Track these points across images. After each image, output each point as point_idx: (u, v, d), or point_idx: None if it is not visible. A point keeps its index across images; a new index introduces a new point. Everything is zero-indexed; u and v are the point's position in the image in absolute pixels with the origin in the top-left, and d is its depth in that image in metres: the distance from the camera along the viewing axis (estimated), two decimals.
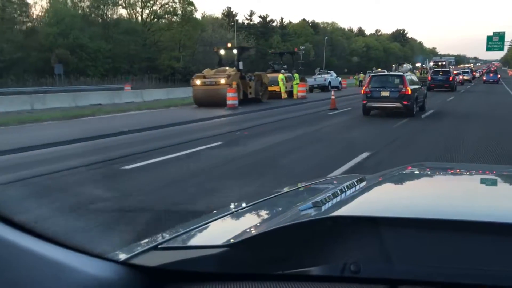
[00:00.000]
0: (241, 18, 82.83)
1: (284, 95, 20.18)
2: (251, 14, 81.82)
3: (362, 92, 13.28)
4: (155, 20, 54.82)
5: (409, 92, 12.30)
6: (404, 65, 46.83)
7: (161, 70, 48.84)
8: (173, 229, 1.07)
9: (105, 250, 0.81)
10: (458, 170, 1.77)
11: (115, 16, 50.60)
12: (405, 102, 12.27)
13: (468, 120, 12.13)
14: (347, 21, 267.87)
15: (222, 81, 15.61)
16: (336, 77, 31.14)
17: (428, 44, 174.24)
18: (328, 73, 30.91)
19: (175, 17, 55.11)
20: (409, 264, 0.80)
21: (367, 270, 0.80)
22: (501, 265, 0.76)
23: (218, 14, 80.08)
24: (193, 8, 55.73)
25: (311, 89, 27.28)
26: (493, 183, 1.52)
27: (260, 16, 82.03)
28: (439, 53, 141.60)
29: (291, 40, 78.53)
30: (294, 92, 20.61)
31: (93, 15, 48.03)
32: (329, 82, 28.76)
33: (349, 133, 9.72)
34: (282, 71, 21.97)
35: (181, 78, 49.87)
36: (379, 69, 40.02)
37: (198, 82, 16.30)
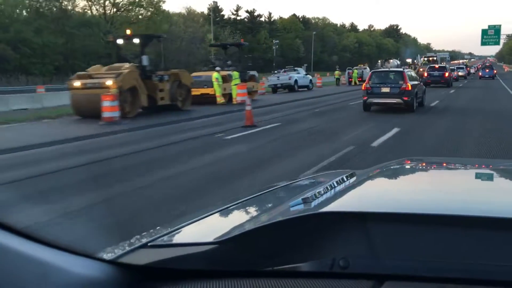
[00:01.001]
0: (228, 13, 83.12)
1: (220, 100, 16.74)
2: (238, 8, 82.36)
3: (363, 88, 14.04)
4: (118, 12, 51.89)
5: (410, 88, 13.09)
6: (391, 60, 45.49)
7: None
8: (162, 227, 1.09)
9: (94, 249, 0.84)
10: (450, 164, 1.83)
11: (70, 7, 47.56)
12: (405, 98, 13.05)
13: (466, 117, 12.38)
14: (339, 17, 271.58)
15: (109, 82, 12.07)
16: (306, 74, 28.78)
17: (422, 40, 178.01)
18: (294, 70, 28.05)
19: (140, 9, 52.73)
20: (397, 259, 0.83)
21: (355, 266, 0.84)
22: (489, 259, 0.79)
23: (204, 9, 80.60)
24: None
25: (275, 89, 25.90)
26: (486, 177, 1.56)
27: (247, 11, 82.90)
28: (433, 49, 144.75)
29: (279, 36, 79.40)
30: (233, 95, 17.11)
31: (44, 6, 44.41)
32: (295, 81, 26.08)
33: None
34: (229, 68, 18.73)
35: None
36: (361, 65, 38.91)
37: (77, 84, 12.71)
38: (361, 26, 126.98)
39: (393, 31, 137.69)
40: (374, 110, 13.79)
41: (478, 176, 1.57)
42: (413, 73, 15.24)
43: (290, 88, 25.79)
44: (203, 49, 53.60)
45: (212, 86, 16.81)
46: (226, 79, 17.35)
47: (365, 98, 13.70)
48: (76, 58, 41.69)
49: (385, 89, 13.37)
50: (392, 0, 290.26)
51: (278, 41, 61.00)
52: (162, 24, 51.56)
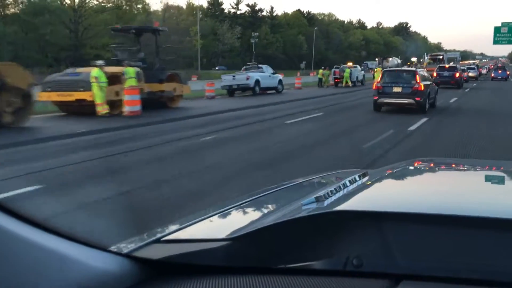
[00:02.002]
0: (228, 7, 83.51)
1: (101, 109, 12.23)
2: (238, 2, 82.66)
3: (374, 88, 14.41)
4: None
5: (422, 88, 13.46)
6: (390, 59, 44.18)
7: (87, 61, 43.00)
8: (176, 221, 1.14)
9: (110, 242, 0.89)
10: (464, 166, 1.91)
11: None
12: (417, 98, 13.41)
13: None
14: (347, 14, 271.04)
15: None
16: (273, 73, 24.44)
17: (432, 39, 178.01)
18: (258, 68, 24.46)
19: None
20: (412, 259, 0.86)
21: (369, 265, 0.87)
22: (505, 260, 0.82)
23: (204, 3, 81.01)
24: None
25: (231, 92, 22.03)
26: (501, 179, 1.61)
27: (248, 5, 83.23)
28: (444, 48, 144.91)
29: (281, 31, 79.91)
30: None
31: None
32: (257, 82, 22.06)
33: None
34: (136, 63, 14.07)
35: None
36: (350, 63, 36.17)
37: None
38: (370, 24, 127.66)
39: (402, 29, 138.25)
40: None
41: (492, 177, 1.63)
42: (425, 73, 15.58)
43: (252, 89, 21.92)
44: (189, 43, 53.02)
45: (90, 89, 12.11)
46: (118, 79, 12.75)
47: (376, 97, 14.06)
48: (30, 50, 38.61)
49: (397, 89, 13.73)
50: None
51: (258, 33, 59.49)
52: (138, 15, 48.94)
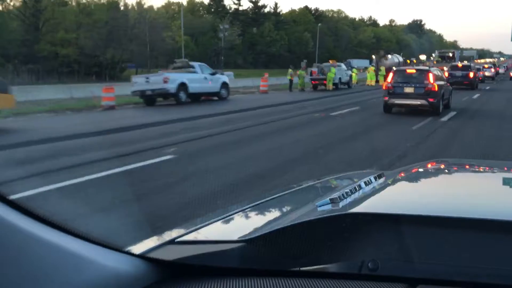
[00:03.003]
0: (230, 3, 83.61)
1: None
2: None
3: (384, 88, 14.23)
4: None
5: (436, 89, 13.25)
6: (390, 56, 39.49)
7: (43, 59, 39.02)
8: (190, 223, 1.19)
9: (125, 243, 0.93)
10: (481, 168, 1.95)
11: None
12: (430, 100, 13.19)
13: None
14: (358, 11, 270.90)
15: None
16: (213, 73, 19.41)
17: (448, 37, 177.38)
18: (189, 67, 19.02)
19: None
20: (430, 263, 0.87)
21: (385, 268, 0.88)
22: None
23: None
24: None
25: (150, 99, 17.36)
26: None
27: (250, 1, 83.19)
28: (460, 47, 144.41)
29: (286, 29, 79.94)
30: None
31: None
32: (181, 86, 17.24)
33: None
34: None
35: (84, 71, 40.63)
36: (333, 61, 31.08)
37: None
38: (382, 21, 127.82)
39: (416, 27, 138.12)
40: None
41: (510, 179, 1.64)
42: (439, 72, 15.35)
43: (174, 96, 17.31)
44: (172, 40, 52.03)
45: None
46: None
47: (386, 98, 13.86)
48: None
49: (409, 89, 13.53)
50: None
51: (228, 26, 56.79)
52: (111, 9, 45.46)
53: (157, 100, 17.91)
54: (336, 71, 27.54)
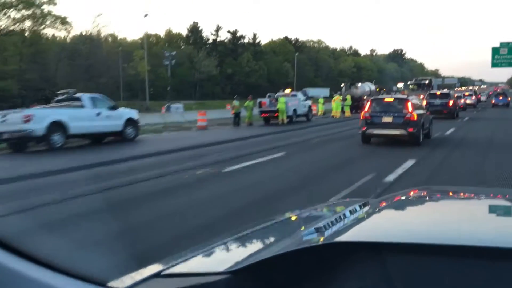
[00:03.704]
0: (208, 34, 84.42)
1: None
2: (218, 29, 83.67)
3: (361, 118, 14.01)
4: None
5: (415, 118, 13.08)
6: (359, 84, 37.00)
7: None
8: (175, 255, 1.19)
9: (107, 277, 0.90)
10: (464, 194, 2.01)
11: None
12: (410, 129, 13.00)
13: None
14: (340, 41, 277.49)
15: None
16: (113, 107, 16.09)
17: (430, 66, 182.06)
18: (73, 100, 15.20)
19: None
20: None
21: None
22: None
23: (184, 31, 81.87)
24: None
25: (18, 144, 13.55)
26: (503, 207, 1.68)
27: (229, 31, 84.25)
28: (442, 75, 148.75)
29: (265, 59, 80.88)
30: None
31: None
32: (55, 125, 13.56)
33: None
34: None
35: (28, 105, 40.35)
36: (289, 90, 27.84)
37: None
38: (364, 51, 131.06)
39: (397, 56, 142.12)
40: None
41: (493, 206, 1.69)
42: (418, 101, 15.24)
43: (43, 140, 13.59)
44: (134, 71, 51.11)
45: None
46: None
47: (364, 128, 13.67)
48: None
49: (387, 119, 13.35)
50: (398, 24, 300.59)
51: (175, 52, 54.74)
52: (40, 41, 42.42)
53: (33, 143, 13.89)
54: (289, 101, 24.32)
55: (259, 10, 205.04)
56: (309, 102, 27.73)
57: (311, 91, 67.07)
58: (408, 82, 45.19)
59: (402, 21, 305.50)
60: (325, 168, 9.75)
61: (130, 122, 16.30)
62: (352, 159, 11.30)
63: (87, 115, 14.70)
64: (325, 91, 65.83)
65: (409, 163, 9.79)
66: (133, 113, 16.84)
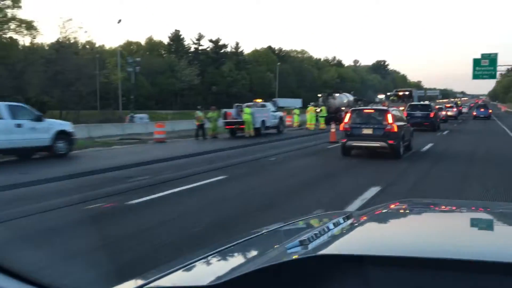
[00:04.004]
0: (190, 42, 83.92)
1: None
2: (200, 37, 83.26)
3: (341, 129, 13.79)
4: None
5: (395, 130, 12.91)
6: (337, 95, 35.35)
7: None
8: (159, 268, 1.20)
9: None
10: (446, 207, 2.02)
11: None
12: (390, 141, 12.82)
13: None
14: (322, 51, 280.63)
15: None
16: (38, 118, 13.93)
17: (412, 78, 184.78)
18: None
19: None
20: None
21: None
22: None
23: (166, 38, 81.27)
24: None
25: None
26: (485, 220, 1.72)
27: (210, 40, 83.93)
28: (424, 87, 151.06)
29: (248, 69, 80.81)
30: None
31: None
32: None
33: None
34: None
35: None
36: (259, 100, 26.13)
37: None
38: (347, 62, 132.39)
39: (380, 67, 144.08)
40: None
41: (476, 219, 1.74)
42: (399, 112, 15.07)
43: None
44: (107, 79, 49.82)
45: None
46: None
47: (344, 140, 13.47)
48: None
49: (367, 131, 13.16)
50: (381, 36, 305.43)
51: (139, 59, 52.77)
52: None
53: None
54: (256, 112, 22.63)
55: (243, 19, 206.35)
56: (280, 113, 26.40)
57: (282, 102, 66.39)
58: (388, 93, 43.16)
59: (386, 33, 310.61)
60: (269, 197, 7.80)
61: (62, 135, 14.38)
62: (308, 184, 9.19)
63: (4, 127, 12.63)
64: (298, 102, 65.21)
65: (372, 191, 7.95)
66: (66, 125, 15.03)
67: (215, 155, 14.86)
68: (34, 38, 44.27)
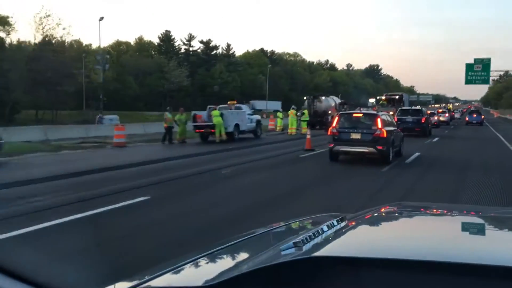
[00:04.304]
0: (180, 43, 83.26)
1: None
2: (190, 38, 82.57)
3: (329, 133, 13.42)
4: None
5: (385, 135, 12.56)
6: (323, 98, 33.48)
7: None
8: (153, 269, 1.20)
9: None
10: (437, 210, 2.07)
11: None
12: (379, 147, 12.47)
13: None
14: (315, 55, 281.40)
15: None
16: None
17: (405, 83, 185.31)
18: None
19: None
20: None
21: None
22: None
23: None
24: None
25: None
26: (478, 224, 1.77)
27: (201, 42, 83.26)
28: (417, 92, 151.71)
29: (239, 71, 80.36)
30: None
31: None
32: None
33: None
34: None
35: None
36: (233, 102, 24.33)
37: None
38: (340, 66, 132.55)
39: (373, 71, 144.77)
40: None
41: (469, 222, 1.79)
42: (388, 117, 14.73)
43: None
44: (80, 77, 48.48)
45: None
46: None
47: (331, 145, 13.09)
48: None
49: (355, 135, 12.79)
50: (374, 41, 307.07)
51: (108, 56, 50.99)
52: None
53: None
54: (229, 115, 20.70)
55: (236, 21, 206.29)
56: (257, 117, 24.59)
57: (259, 104, 64.09)
58: (378, 97, 41.23)
59: (380, 38, 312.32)
60: (182, 234, 5.80)
61: None
62: (247, 215, 6.80)
63: None
64: (277, 105, 63.72)
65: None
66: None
67: (162, 164, 12.84)
68: (9, 34, 43.73)
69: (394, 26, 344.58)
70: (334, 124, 13.34)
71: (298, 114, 27.77)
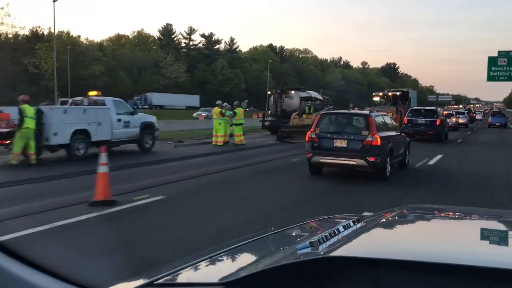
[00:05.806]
0: (180, 36, 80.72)
1: None
2: (191, 31, 79.71)
3: (307, 139, 10.49)
4: None
5: (378, 142, 9.70)
6: (293, 92, 25.90)
7: None
8: (169, 265, 1.22)
9: (101, 284, 0.95)
10: (455, 214, 2.15)
11: None
12: (371, 159, 9.63)
13: None
14: (328, 53, 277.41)
15: None
16: None
17: (424, 82, 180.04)
18: None
19: None
20: None
21: None
22: None
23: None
24: None
25: None
26: (497, 228, 1.77)
27: (203, 35, 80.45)
28: (436, 92, 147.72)
29: (243, 67, 77.48)
30: None
31: None
32: None
33: None
34: None
35: None
36: (94, 93, 15.35)
37: None
38: (355, 64, 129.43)
39: (390, 70, 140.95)
40: None
41: (487, 226, 1.78)
42: (387, 118, 11.70)
43: None
44: (37, 69, 47.50)
45: None
46: None
47: (309, 154, 10.24)
48: None
49: (340, 143, 9.93)
50: (393, 39, 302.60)
51: (70, 46, 49.67)
52: None
53: None
54: (56, 115, 12.23)
55: (244, 16, 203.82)
56: (150, 119, 16.02)
57: (158, 98, 53.35)
58: (374, 93, 32.74)
59: (398, 36, 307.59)
60: None
61: None
62: None
63: None
64: (193, 99, 56.35)
65: None
66: None
67: None
68: None
69: (413, 25, 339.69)
70: (313, 127, 10.50)
71: (228, 114, 19.31)
